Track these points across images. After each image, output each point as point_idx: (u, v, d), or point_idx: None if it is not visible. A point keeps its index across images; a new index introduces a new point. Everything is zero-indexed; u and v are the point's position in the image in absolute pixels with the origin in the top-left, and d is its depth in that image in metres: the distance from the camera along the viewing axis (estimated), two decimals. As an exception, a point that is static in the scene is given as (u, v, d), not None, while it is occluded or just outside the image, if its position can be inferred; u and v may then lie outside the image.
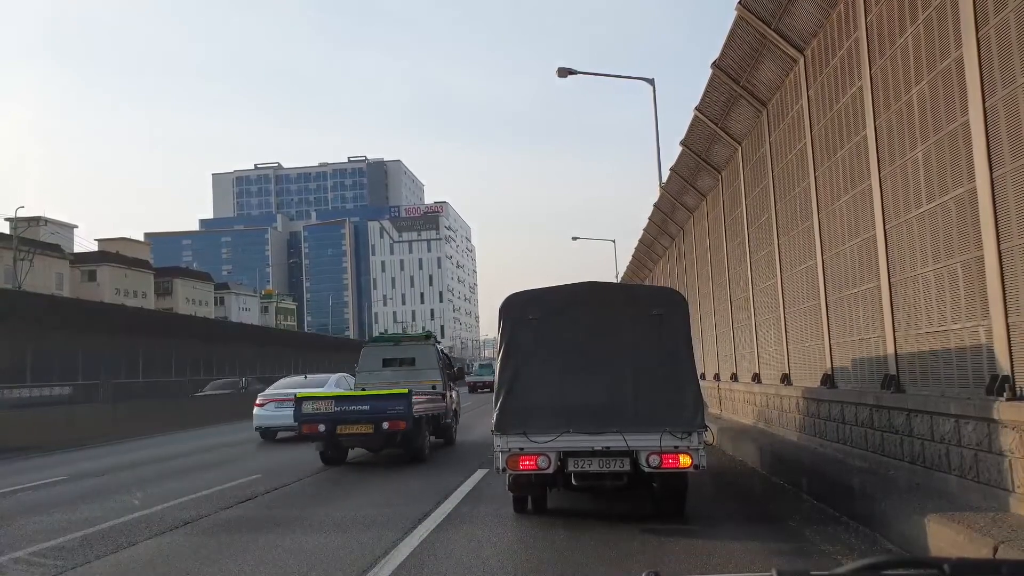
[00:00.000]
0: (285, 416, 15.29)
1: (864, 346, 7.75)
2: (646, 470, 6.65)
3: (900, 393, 6.81)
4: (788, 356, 10.68)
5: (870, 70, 7.13)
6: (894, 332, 6.94)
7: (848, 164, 7.88)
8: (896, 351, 6.90)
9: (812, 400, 9.39)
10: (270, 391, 18.89)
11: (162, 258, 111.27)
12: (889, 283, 6.98)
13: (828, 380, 8.81)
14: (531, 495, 7.42)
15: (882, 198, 7.05)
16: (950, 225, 5.79)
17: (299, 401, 12.50)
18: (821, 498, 7.32)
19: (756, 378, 12.53)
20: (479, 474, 10.40)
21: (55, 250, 58.37)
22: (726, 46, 10.40)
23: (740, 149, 12.67)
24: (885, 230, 7.01)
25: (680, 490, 7.00)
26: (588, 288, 7.80)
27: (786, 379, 10.71)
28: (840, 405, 8.35)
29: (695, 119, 13.12)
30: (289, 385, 18.71)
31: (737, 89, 11.07)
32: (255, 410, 18.40)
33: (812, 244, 9.22)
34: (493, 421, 7.07)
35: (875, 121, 7.10)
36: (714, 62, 11.00)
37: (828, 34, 8.30)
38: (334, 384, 18.46)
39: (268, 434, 18.21)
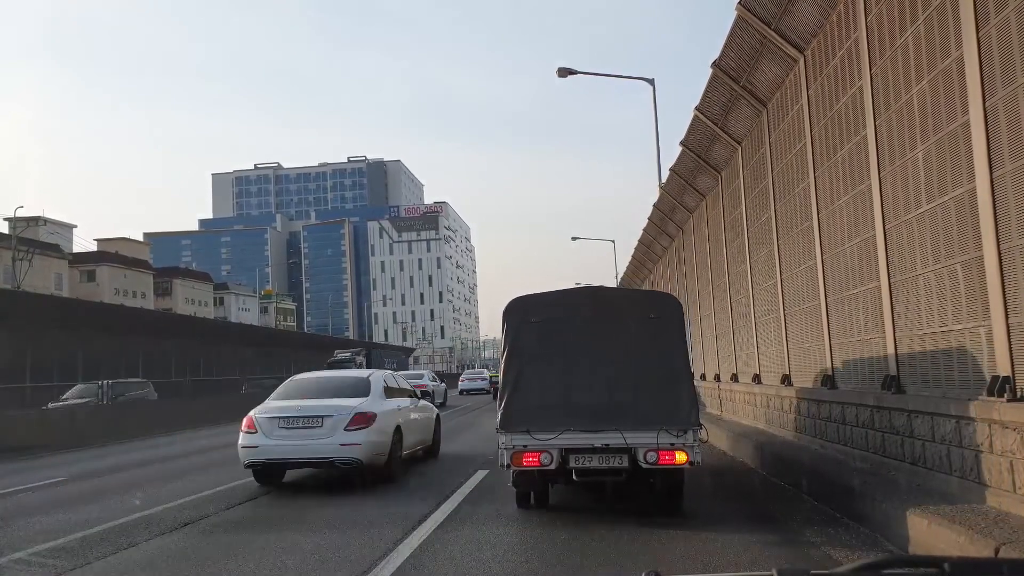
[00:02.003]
0: (473, 385, 40.33)
1: (864, 346, 7.74)
2: (644, 466, 6.89)
3: (901, 394, 6.80)
4: (788, 357, 10.68)
5: (870, 70, 7.13)
6: (894, 333, 6.93)
7: (848, 164, 7.88)
8: (896, 352, 6.90)
9: (813, 401, 9.39)
10: (466, 373, 37.70)
11: (162, 258, 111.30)
12: (889, 283, 6.97)
13: (829, 381, 8.80)
14: (534, 490, 7.65)
15: (882, 198, 7.04)
16: (950, 225, 5.78)
17: (491, 377, 33.78)
18: (822, 499, 7.30)
19: (756, 379, 12.52)
20: (480, 475, 10.35)
21: (54, 250, 58.39)
22: (726, 46, 10.39)
23: (740, 149, 12.67)
24: (885, 230, 7.01)
25: (677, 485, 7.25)
26: (588, 292, 8.33)
27: (786, 380, 10.70)
28: (841, 406, 8.34)
29: (695, 119, 13.11)
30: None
31: (737, 89, 11.07)
32: (459, 382, 40.29)
33: (812, 244, 9.21)
34: (498, 420, 7.27)
35: (875, 121, 7.09)
36: (714, 62, 10.99)
37: (828, 34, 8.29)
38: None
39: (465, 393, 38.07)
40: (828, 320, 8.83)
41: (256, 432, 9.85)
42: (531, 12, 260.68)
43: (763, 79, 10.43)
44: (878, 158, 7.07)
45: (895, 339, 6.93)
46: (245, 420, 10.11)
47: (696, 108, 12.74)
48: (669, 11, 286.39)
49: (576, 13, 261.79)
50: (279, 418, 9.88)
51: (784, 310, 10.72)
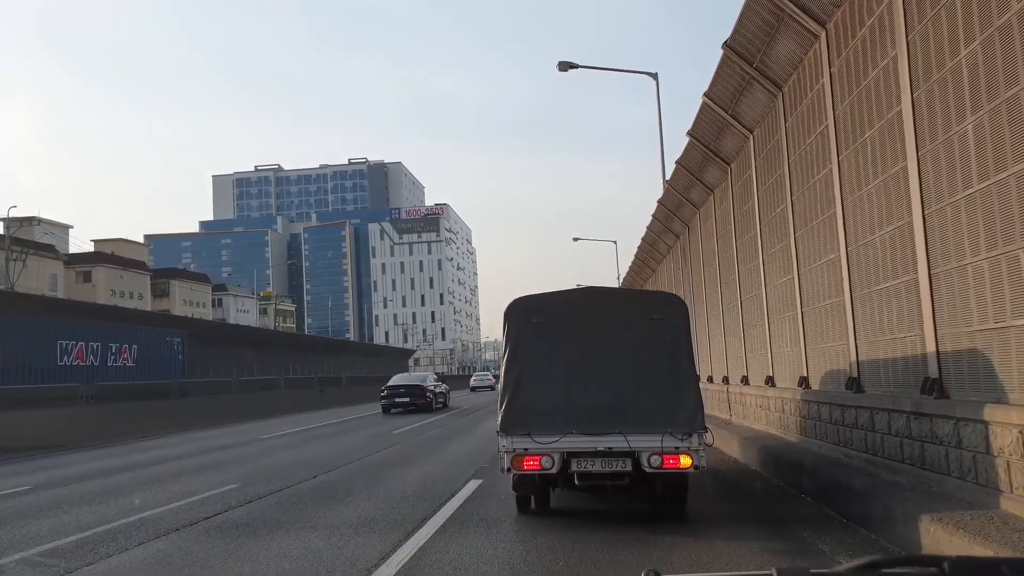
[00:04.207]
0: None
1: (897, 346, 6.98)
2: (648, 470, 6.72)
3: (944, 399, 6.04)
4: (806, 358, 9.92)
5: (907, 37, 6.37)
6: (936, 330, 6.17)
7: (879, 145, 7.12)
8: (938, 351, 6.13)
9: (835, 405, 8.62)
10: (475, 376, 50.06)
11: (162, 260, 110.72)
12: (929, 275, 6.21)
13: (854, 384, 8.04)
14: (534, 494, 7.49)
15: (920, 180, 6.28)
16: (1009, 205, 5.02)
17: None
18: (851, 515, 6.55)
19: (770, 381, 11.76)
20: (472, 485, 9.56)
21: (49, 250, 57.63)
22: (739, 24, 9.64)
23: (752, 138, 11.92)
24: (924, 216, 6.25)
25: (681, 490, 7.09)
26: (591, 293, 8.16)
27: (804, 382, 9.94)
28: (869, 411, 7.58)
29: (703, 106, 12.37)
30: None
31: (750, 71, 10.31)
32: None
33: (835, 235, 8.46)
34: (498, 422, 7.06)
35: (912, 94, 6.33)
36: (725, 42, 10.25)
37: (855, 2, 7.53)
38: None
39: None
40: (853, 317, 8.07)
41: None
42: (532, 13, 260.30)
43: (779, 58, 9.68)
44: (916, 135, 6.31)
45: (936, 337, 6.17)
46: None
47: (705, 94, 11.99)
48: (673, 10, 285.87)
49: (578, 14, 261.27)
50: None
51: (802, 307, 9.96)
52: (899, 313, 6.91)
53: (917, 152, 6.29)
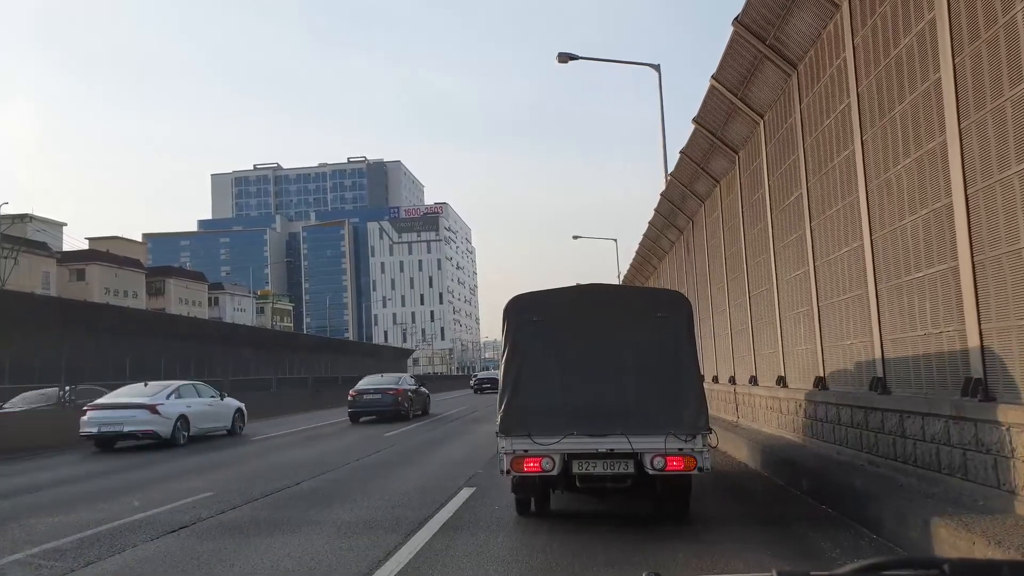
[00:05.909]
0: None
1: (932, 342, 6.30)
2: (650, 472, 6.57)
3: (989, 401, 5.36)
4: (822, 356, 9.23)
5: (947, -4, 5.68)
6: (979, 325, 5.49)
7: (912, 119, 6.43)
8: (983, 347, 5.45)
9: (858, 408, 7.93)
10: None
11: (161, 259, 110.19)
12: (972, 262, 5.53)
13: (879, 384, 7.35)
14: (534, 496, 7.35)
15: (962, 156, 5.60)
16: (1077, 178, 4.33)
17: None
18: (883, 532, 5.86)
19: (781, 381, 11.07)
20: (464, 494, 8.86)
21: (42, 248, 56.92)
22: (751, -3, 8.96)
23: (762, 123, 11.23)
24: (967, 195, 5.56)
25: (684, 492, 6.99)
26: (592, 290, 7.89)
27: (820, 383, 9.25)
28: (898, 415, 6.89)
29: (710, 90, 11.68)
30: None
31: (763, 49, 9.62)
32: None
33: (857, 222, 7.77)
34: (497, 423, 6.87)
35: (954, 60, 5.65)
36: (736, 18, 9.57)
37: (884, -36, 6.84)
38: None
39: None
40: (878, 312, 7.38)
41: None
42: (532, 12, 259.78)
43: (795, 34, 8.98)
44: (958, 106, 5.63)
45: (980, 332, 5.49)
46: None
47: (712, 77, 11.30)
48: (675, 9, 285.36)
49: (578, 14, 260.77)
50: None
51: (818, 302, 9.27)
52: (934, 306, 6.22)
53: (959, 124, 5.60)
